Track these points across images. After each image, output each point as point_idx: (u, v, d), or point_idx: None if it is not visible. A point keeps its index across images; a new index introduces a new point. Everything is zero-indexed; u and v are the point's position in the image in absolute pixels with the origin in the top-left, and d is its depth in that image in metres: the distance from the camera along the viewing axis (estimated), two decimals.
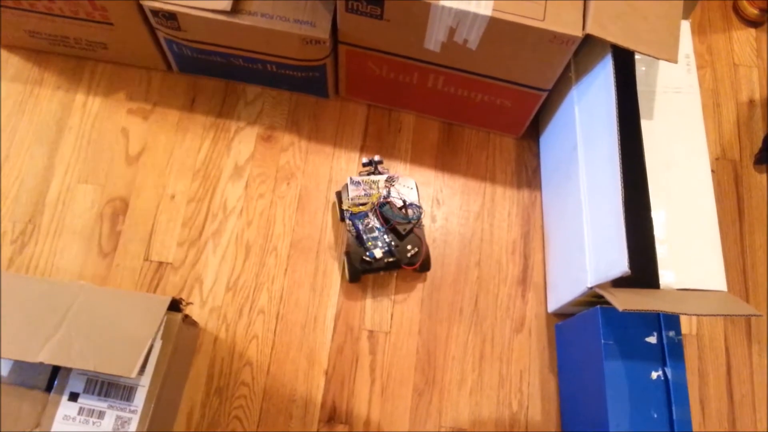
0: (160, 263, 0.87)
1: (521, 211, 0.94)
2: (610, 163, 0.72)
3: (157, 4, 0.81)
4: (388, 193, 0.87)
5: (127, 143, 0.93)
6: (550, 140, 0.94)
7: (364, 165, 0.90)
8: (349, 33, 0.83)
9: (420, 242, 0.86)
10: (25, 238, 0.88)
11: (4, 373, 0.69)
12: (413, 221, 0.86)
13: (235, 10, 0.81)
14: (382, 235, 0.85)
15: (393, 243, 0.85)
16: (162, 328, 0.71)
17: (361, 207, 0.85)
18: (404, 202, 0.87)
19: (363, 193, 0.86)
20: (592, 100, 0.80)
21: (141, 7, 0.83)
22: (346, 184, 0.87)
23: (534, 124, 0.96)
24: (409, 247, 0.85)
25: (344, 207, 0.86)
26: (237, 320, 0.85)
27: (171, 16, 0.83)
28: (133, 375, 0.64)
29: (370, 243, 0.84)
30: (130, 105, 0.96)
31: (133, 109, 0.95)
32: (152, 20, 0.85)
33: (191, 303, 0.85)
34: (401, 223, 0.85)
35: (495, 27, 0.74)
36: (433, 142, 0.98)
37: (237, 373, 0.83)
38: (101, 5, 0.84)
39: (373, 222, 0.85)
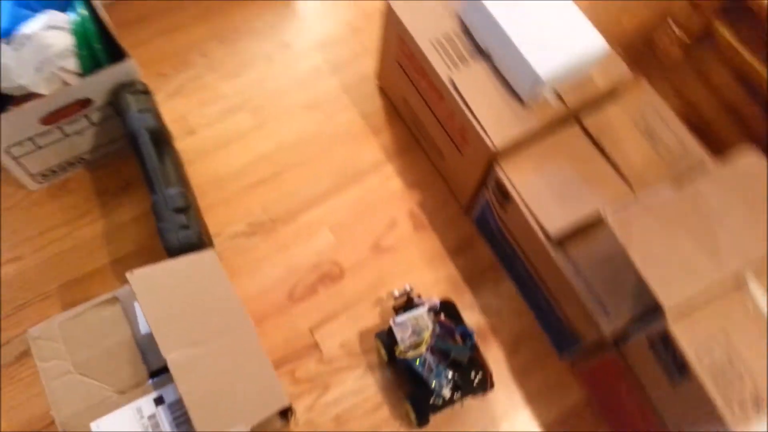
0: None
1: None
2: None
3: (503, 177, 0.80)
4: (439, 326, 0.80)
5: (383, 233, 0.95)
6: None
7: (398, 297, 0.84)
8: (631, 355, 0.74)
9: (480, 364, 0.80)
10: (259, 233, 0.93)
11: (143, 331, 0.72)
12: (470, 348, 0.79)
13: (561, 243, 0.77)
14: (445, 371, 0.78)
15: (456, 375, 0.78)
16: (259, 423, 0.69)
17: (418, 350, 0.78)
18: (453, 328, 0.80)
19: (411, 331, 0.79)
20: None
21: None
22: (390, 328, 0.80)
23: None
24: (472, 374, 0.79)
25: (399, 355, 0.78)
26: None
27: (506, 197, 0.81)
28: None
29: (434, 383, 0.77)
30: (412, 206, 0.97)
31: (415, 213, 0.96)
32: (488, 185, 0.85)
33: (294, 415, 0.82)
34: (460, 353, 0.78)
35: None
36: None
37: None
38: (462, 129, 0.84)
39: (430, 359, 0.78)
